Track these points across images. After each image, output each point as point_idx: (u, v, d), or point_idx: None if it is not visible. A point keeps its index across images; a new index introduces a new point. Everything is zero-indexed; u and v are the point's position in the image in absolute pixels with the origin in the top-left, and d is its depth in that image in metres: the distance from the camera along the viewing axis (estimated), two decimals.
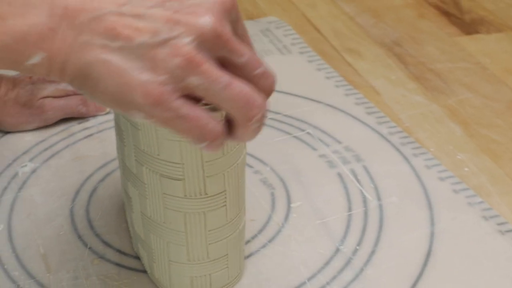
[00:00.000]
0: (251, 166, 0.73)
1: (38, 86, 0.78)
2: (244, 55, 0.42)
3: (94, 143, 0.76)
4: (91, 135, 0.77)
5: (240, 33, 0.44)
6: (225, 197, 0.55)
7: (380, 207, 0.68)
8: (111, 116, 0.80)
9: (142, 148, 0.53)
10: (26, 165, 0.73)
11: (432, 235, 0.64)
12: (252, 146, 0.74)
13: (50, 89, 0.78)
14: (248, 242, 0.64)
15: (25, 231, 0.65)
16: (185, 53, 0.40)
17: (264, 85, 0.43)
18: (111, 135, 0.66)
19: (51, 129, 0.78)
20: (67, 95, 0.80)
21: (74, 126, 0.79)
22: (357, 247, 0.63)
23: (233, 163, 0.54)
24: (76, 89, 0.42)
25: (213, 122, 0.42)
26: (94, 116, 0.81)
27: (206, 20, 0.40)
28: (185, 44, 0.40)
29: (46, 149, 0.75)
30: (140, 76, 0.40)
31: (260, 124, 0.43)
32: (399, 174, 0.71)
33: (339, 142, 0.76)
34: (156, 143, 0.52)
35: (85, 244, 0.64)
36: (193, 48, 0.40)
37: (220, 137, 0.43)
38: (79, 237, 0.64)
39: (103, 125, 0.78)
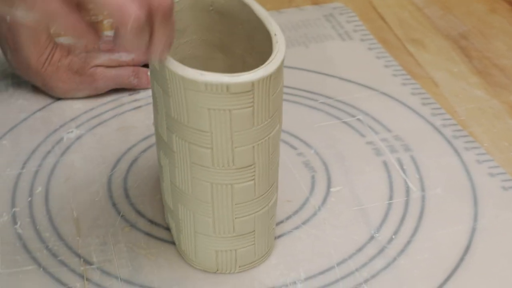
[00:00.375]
0: (294, 148, 0.71)
1: (91, 55, 0.78)
2: None
3: (141, 115, 0.76)
4: (139, 107, 0.77)
5: None
6: (254, 171, 0.54)
7: (423, 198, 0.65)
8: None
9: (172, 116, 0.52)
10: (72, 132, 0.73)
11: (473, 230, 0.61)
12: (299, 128, 0.72)
13: (103, 58, 0.79)
14: (281, 222, 0.62)
15: (61, 195, 0.65)
16: None
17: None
18: None
19: (101, 99, 0.79)
20: (119, 65, 0.80)
21: (124, 97, 0.79)
22: (393, 236, 0.61)
23: (264, 136, 0.52)
24: None
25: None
26: (145, 88, 0.81)
27: None
28: None
29: (93, 117, 0.75)
30: None
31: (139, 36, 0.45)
32: (447, 167, 0.68)
33: (389, 131, 0.73)
34: (185, 110, 0.51)
35: (118, 212, 0.64)
36: None
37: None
38: (113, 204, 0.64)
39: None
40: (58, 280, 0.57)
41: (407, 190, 0.66)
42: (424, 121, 0.75)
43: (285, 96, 0.72)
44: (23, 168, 0.69)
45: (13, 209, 0.64)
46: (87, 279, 0.57)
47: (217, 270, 0.58)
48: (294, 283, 0.57)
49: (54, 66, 0.76)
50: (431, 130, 0.74)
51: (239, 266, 0.58)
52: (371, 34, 0.90)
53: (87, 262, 0.59)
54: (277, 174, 0.57)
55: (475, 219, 0.63)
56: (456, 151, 0.71)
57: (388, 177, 0.67)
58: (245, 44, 0.58)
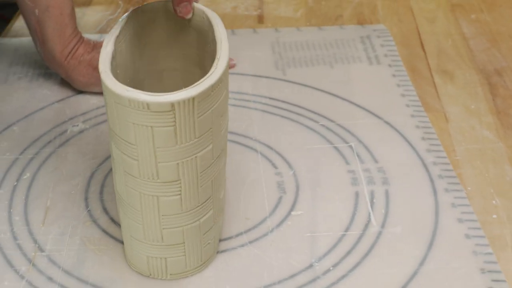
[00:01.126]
0: (275, 167, 0.73)
1: None
2: None
3: None
4: None
5: None
6: (180, 187, 0.56)
7: (379, 234, 0.65)
8: None
9: (110, 125, 0.56)
10: (77, 125, 0.78)
11: (414, 275, 0.61)
12: (288, 147, 0.74)
13: None
14: (230, 238, 0.64)
15: (44, 183, 0.71)
16: None
17: None
18: None
19: None
20: None
21: None
22: (331, 268, 0.62)
23: (190, 155, 0.55)
24: None
25: None
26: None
27: None
28: None
29: (102, 114, 0.80)
30: None
31: None
32: (417, 206, 0.67)
33: (376, 161, 0.73)
34: (117, 122, 0.54)
35: (86, 206, 0.68)
36: None
37: None
38: (85, 199, 0.69)
39: None
40: (9, 262, 0.62)
41: (367, 224, 0.66)
42: (416, 156, 0.74)
43: (286, 114, 0.74)
44: (21, 154, 0.74)
45: None
46: (33, 265, 0.62)
47: (150, 275, 0.61)
48: None
49: (76, 60, 0.82)
50: (419, 166, 0.73)
51: (170, 274, 0.61)
52: (401, 61, 0.89)
53: (40, 249, 0.63)
54: (220, 192, 0.60)
55: (422, 263, 0.62)
56: (434, 191, 0.69)
57: (353, 208, 0.68)
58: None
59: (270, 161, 0.73)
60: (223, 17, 1.01)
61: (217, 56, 0.57)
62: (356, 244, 0.64)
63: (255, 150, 0.75)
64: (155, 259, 0.60)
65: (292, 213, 0.67)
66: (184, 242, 0.59)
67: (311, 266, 0.62)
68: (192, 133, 0.54)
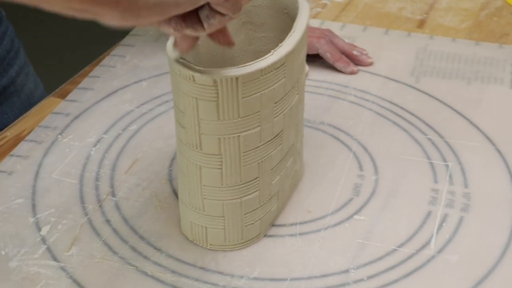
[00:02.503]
0: (361, 169, 0.72)
1: None
2: None
3: None
4: None
5: None
6: (221, 161, 0.58)
7: (431, 258, 0.62)
8: None
9: (172, 95, 0.59)
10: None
11: None
12: (383, 154, 0.74)
13: None
14: (282, 225, 0.66)
15: (144, 137, 0.76)
16: None
17: None
18: None
19: None
20: None
21: None
22: (365, 278, 0.60)
23: (232, 133, 0.57)
24: None
25: None
26: None
27: None
28: None
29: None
30: None
31: None
32: (488, 240, 0.64)
33: (466, 186, 0.70)
34: (174, 89, 0.58)
35: (170, 165, 0.72)
36: None
37: None
38: (173, 158, 0.73)
39: None
40: (82, 198, 0.69)
41: (424, 246, 0.63)
42: (511, 190, 0.69)
43: (398, 120, 0.74)
44: (137, 107, 0.81)
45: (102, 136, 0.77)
46: (100, 206, 0.68)
47: (193, 240, 0.64)
48: (241, 277, 0.60)
49: None
50: (508, 201, 0.68)
51: (210, 244, 0.63)
52: None
53: (112, 194, 0.69)
54: (273, 177, 0.61)
55: None
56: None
57: (418, 227, 0.65)
58: None
59: (359, 162, 0.73)
60: (385, 16, 1.00)
61: (282, 43, 0.57)
62: (403, 262, 0.62)
63: (350, 149, 0.74)
64: (197, 226, 0.62)
65: (355, 216, 0.66)
66: (223, 216, 0.61)
67: (346, 271, 0.61)
68: (236, 112, 0.56)
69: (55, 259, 0.62)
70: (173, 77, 0.57)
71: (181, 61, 0.55)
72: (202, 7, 0.50)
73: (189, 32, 0.51)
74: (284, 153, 0.62)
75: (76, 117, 0.80)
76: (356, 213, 0.66)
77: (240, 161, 0.58)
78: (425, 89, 0.84)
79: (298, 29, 0.59)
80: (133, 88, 0.84)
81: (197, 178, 0.60)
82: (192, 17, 0.50)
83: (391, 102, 0.82)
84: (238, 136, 0.57)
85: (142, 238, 0.64)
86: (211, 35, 0.55)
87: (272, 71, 0.56)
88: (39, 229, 0.65)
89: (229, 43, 0.57)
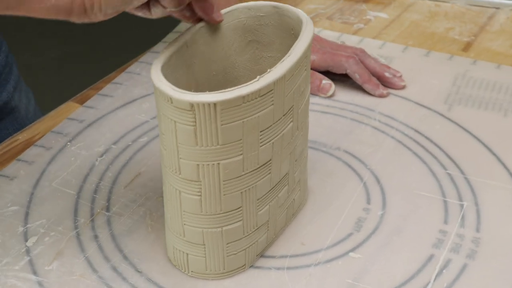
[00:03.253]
0: (368, 202, 0.68)
1: None
2: None
3: None
4: None
5: None
6: (200, 188, 0.56)
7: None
8: None
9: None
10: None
11: None
12: (395, 188, 0.70)
13: None
14: (272, 257, 0.63)
15: (150, 151, 0.75)
16: None
17: None
18: None
19: None
20: None
21: None
22: None
23: (211, 160, 0.54)
24: None
25: None
26: (312, 93, 0.83)
27: None
28: None
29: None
30: None
31: None
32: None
33: (477, 231, 0.65)
34: (157, 108, 0.56)
35: None
36: None
37: None
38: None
39: None
40: (76, 211, 0.68)
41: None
42: None
43: (419, 152, 0.72)
44: (152, 118, 0.79)
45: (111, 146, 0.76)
46: (91, 220, 0.67)
47: (176, 265, 0.62)
48: None
49: None
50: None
51: (191, 271, 0.61)
52: None
53: (107, 209, 0.68)
54: (261, 208, 0.59)
55: None
56: None
57: (416, 271, 0.61)
58: None
59: (367, 194, 0.69)
60: (429, 36, 0.95)
61: (272, 68, 0.54)
62: None
63: (361, 179, 0.71)
64: (179, 251, 0.60)
65: (350, 254, 0.63)
66: (204, 244, 0.59)
67: None
68: (215, 138, 0.53)
69: (34, 272, 0.61)
70: (155, 97, 0.55)
71: (162, 82, 0.53)
72: None
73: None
74: (274, 183, 0.59)
75: (90, 125, 0.79)
76: (352, 250, 0.63)
77: (220, 189, 0.56)
78: (455, 119, 0.79)
79: (293, 54, 0.56)
80: (152, 97, 0.82)
81: (177, 203, 0.57)
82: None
83: (416, 130, 0.77)
84: (218, 164, 0.54)
85: (125, 258, 0.62)
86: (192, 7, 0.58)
87: (256, 98, 0.53)
88: (26, 240, 0.64)
89: (211, 19, 0.59)
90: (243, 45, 0.65)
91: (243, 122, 0.53)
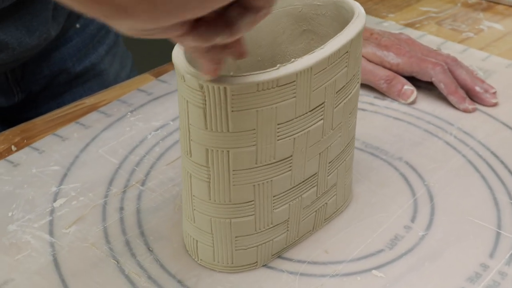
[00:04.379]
0: (412, 221, 0.63)
1: (363, 43, 0.79)
2: None
3: None
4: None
5: None
6: (209, 174, 0.54)
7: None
8: None
9: None
10: None
11: None
12: (452, 212, 0.64)
13: (367, 50, 0.79)
14: (289, 259, 0.59)
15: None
16: None
17: None
18: None
19: None
20: (381, 64, 0.79)
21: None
22: None
23: (220, 146, 0.52)
24: None
25: None
26: (392, 98, 0.78)
27: None
28: None
29: None
30: None
31: None
32: None
33: None
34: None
35: None
36: None
37: None
38: None
39: None
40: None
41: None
42: None
43: (486, 172, 0.67)
44: None
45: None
46: (124, 191, 0.66)
47: (188, 250, 0.60)
48: None
49: None
50: None
51: (200, 259, 0.59)
52: None
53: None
54: (278, 206, 0.56)
55: None
56: None
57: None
58: None
59: (414, 211, 0.63)
60: None
61: (297, 59, 0.51)
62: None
63: (413, 194, 0.66)
64: (190, 237, 0.58)
65: (373, 271, 0.58)
66: (212, 233, 0.56)
67: None
68: (225, 124, 0.50)
69: (51, 233, 0.61)
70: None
71: (179, 59, 0.51)
72: (230, 6, 0.40)
73: (219, 39, 0.41)
74: (297, 181, 0.56)
75: (156, 98, 0.78)
76: (377, 267, 0.58)
77: (230, 179, 0.53)
78: None
79: (327, 47, 0.52)
80: None
81: (188, 186, 0.55)
82: (217, 22, 0.40)
83: (492, 153, 0.70)
84: (228, 151, 0.51)
85: (142, 234, 0.61)
86: (227, 45, 0.45)
87: (273, 87, 0.49)
88: (55, 200, 0.64)
89: (242, 53, 0.47)
90: (296, 34, 0.61)
91: (257, 111, 0.50)
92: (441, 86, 0.76)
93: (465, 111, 0.75)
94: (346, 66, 0.55)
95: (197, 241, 0.57)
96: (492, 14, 0.95)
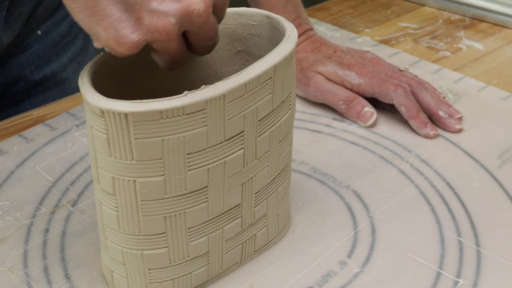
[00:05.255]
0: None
1: (321, 60, 0.76)
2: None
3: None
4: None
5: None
6: (117, 203, 0.51)
7: None
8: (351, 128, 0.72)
9: None
10: None
11: None
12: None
13: (329, 68, 0.75)
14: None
15: None
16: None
17: None
18: None
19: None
20: (342, 84, 0.75)
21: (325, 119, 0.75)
22: None
23: (126, 175, 0.49)
24: None
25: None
26: (351, 120, 0.75)
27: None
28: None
29: None
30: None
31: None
32: None
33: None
34: None
35: None
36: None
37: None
38: None
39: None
40: None
41: None
42: None
43: (437, 206, 0.63)
44: None
45: None
46: (53, 212, 0.63)
47: (107, 279, 0.57)
48: None
49: (298, 53, 0.77)
50: None
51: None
52: None
53: None
54: (184, 235, 0.52)
55: None
56: None
57: None
58: None
59: (353, 246, 0.60)
60: None
61: (208, 85, 0.48)
62: None
63: (355, 227, 0.62)
64: (105, 266, 0.55)
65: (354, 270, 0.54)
66: (125, 264, 0.53)
67: None
68: (129, 152, 0.47)
69: None
70: None
71: (84, 81, 0.48)
72: None
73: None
74: (215, 213, 0.52)
75: None
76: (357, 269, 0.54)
77: (138, 209, 0.50)
78: (502, 179, 0.67)
79: (245, 73, 0.49)
80: None
81: (99, 214, 0.52)
82: None
83: (448, 184, 0.67)
84: (134, 180, 0.48)
85: (62, 259, 0.58)
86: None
87: (180, 115, 0.46)
88: None
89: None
90: (231, 55, 0.58)
91: (163, 140, 0.47)
92: (402, 110, 0.72)
93: (426, 136, 0.71)
94: (270, 93, 0.51)
95: (112, 271, 0.54)
96: (474, 32, 0.91)
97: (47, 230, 0.60)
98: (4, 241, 0.59)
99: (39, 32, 0.83)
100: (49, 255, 0.58)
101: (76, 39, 0.88)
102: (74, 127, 0.73)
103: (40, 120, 0.74)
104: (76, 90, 0.87)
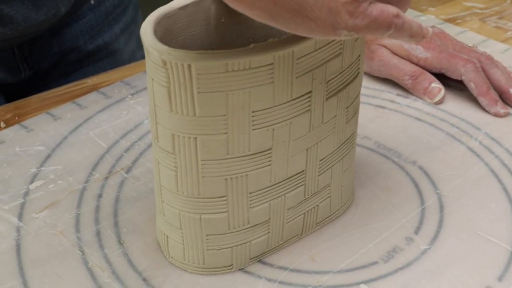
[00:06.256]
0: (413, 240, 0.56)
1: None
2: None
3: None
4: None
5: None
6: (176, 162, 0.48)
7: None
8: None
9: None
10: None
11: None
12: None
13: (393, 42, 0.72)
14: (271, 265, 0.53)
15: None
16: None
17: None
18: None
19: None
20: (407, 58, 0.72)
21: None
22: None
23: (186, 131, 0.46)
24: None
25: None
26: (417, 96, 0.71)
27: None
28: None
29: None
30: None
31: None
32: None
33: None
34: None
35: None
36: None
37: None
38: None
39: None
40: None
41: None
42: None
43: (505, 179, 0.61)
44: None
45: None
46: (106, 178, 0.61)
47: (161, 246, 0.55)
48: None
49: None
50: None
51: (171, 257, 0.53)
52: None
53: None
54: (246, 200, 0.49)
55: None
56: None
57: None
58: None
59: (420, 222, 0.57)
60: None
61: (276, 38, 0.45)
62: None
63: (422, 203, 0.59)
64: (161, 231, 0.54)
65: (361, 285, 0.51)
66: (181, 229, 0.51)
67: None
68: (191, 107, 0.45)
69: (20, 217, 0.56)
70: None
71: (147, 31, 0.45)
72: None
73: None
74: (278, 178, 0.50)
75: None
76: (366, 281, 0.51)
77: (198, 169, 0.47)
78: None
79: None
80: None
81: (157, 175, 0.50)
82: None
83: None
84: (195, 138, 0.46)
85: (115, 224, 0.56)
86: None
87: (245, 69, 0.44)
88: (31, 182, 0.60)
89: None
90: None
91: (227, 94, 0.44)
92: (471, 86, 0.68)
93: (496, 115, 0.68)
94: (340, 53, 0.48)
95: (167, 236, 0.52)
96: None
97: (100, 196, 0.58)
98: (55, 205, 0.57)
99: (92, 2, 0.82)
100: (102, 220, 0.56)
101: (127, 9, 0.86)
102: (129, 96, 0.71)
103: (94, 88, 0.72)
104: (127, 61, 0.85)
